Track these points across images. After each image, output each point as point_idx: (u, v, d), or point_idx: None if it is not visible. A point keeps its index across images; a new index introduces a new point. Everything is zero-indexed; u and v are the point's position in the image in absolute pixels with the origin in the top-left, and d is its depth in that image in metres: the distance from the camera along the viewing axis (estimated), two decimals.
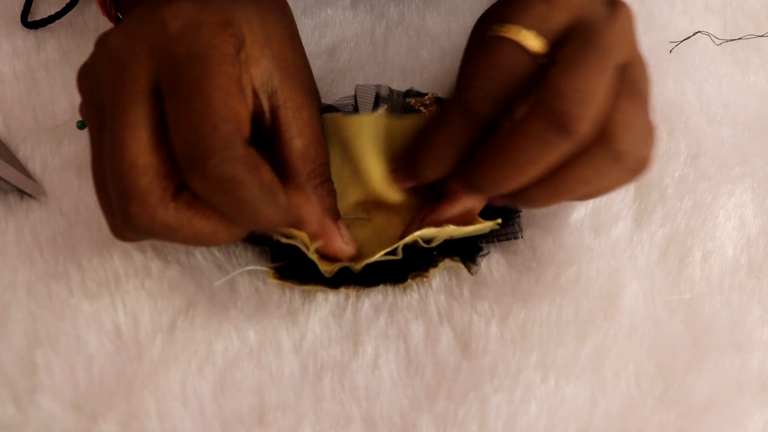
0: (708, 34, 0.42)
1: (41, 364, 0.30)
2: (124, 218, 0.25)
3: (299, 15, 0.42)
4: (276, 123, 0.29)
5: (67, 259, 0.32)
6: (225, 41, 0.25)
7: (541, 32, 0.26)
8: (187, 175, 0.24)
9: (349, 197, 0.33)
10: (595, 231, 0.34)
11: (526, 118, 0.25)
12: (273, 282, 0.31)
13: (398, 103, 0.36)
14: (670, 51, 0.41)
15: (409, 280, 0.32)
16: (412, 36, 0.42)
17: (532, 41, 0.26)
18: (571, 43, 0.26)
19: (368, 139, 0.32)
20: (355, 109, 0.36)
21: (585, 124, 0.25)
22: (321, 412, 0.29)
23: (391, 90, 0.37)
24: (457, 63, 0.40)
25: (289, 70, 0.29)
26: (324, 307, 0.32)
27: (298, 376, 0.30)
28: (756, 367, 0.31)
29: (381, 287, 0.32)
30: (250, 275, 0.32)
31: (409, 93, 0.37)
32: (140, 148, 0.24)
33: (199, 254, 0.33)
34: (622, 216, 0.35)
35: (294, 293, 0.32)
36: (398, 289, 0.32)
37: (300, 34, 0.42)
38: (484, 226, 0.31)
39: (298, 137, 0.29)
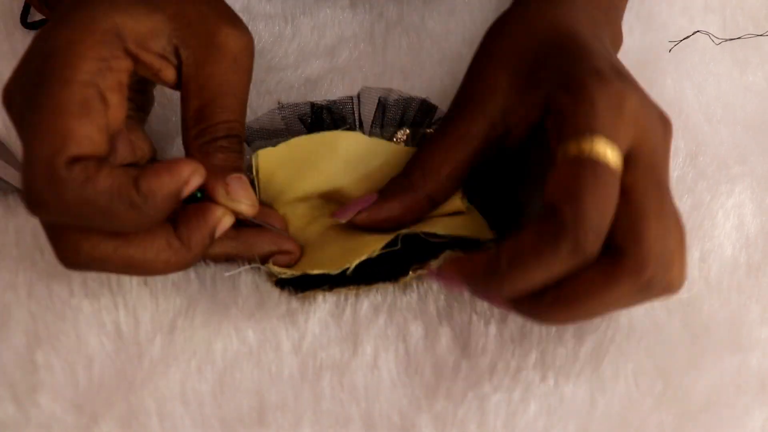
0: (707, 34, 0.42)
1: (42, 363, 0.30)
2: None
3: (298, 15, 0.42)
4: (180, 80, 0.30)
5: None
6: (80, 56, 0.26)
7: (614, 147, 0.24)
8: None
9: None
10: None
11: (617, 274, 0.23)
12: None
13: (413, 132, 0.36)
14: (669, 50, 0.41)
15: (411, 274, 0.31)
16: (412, 36, 0.42)
17: (614, 159, 0.24)
18: (637, 171, 0.25)
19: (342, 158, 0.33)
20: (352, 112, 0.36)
21: (665, 278, 0.24)
22: (320, 412, 0.29)
23: (399, 98, 0.36)
24: (457, 64, 0.41)
25: (192, 27, 0.29)
26: (323, 308, 0.32)
27: (297, 376, 0.30)
28: (755, 366, 0.31)
29: (380, 286, 0.32)
30: (253, 273, 0.32)
31: (425, 109, 0.36)
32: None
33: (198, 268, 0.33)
34: None
35: (295, 295, 0.32)
36: (398, 289, 0.32)
37: (299, 34, 0.42)
38: (482, 232, 0.32)
39: (194, 97, 0.30)
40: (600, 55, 0.27)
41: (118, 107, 0.28)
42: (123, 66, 0.28)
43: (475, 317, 0.31)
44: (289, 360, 0.30)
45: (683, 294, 0.33)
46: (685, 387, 0.30)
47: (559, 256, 0.23)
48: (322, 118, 0.36)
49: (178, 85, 0.30)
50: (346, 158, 0.33)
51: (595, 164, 0.24)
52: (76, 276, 0.32)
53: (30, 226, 0.33)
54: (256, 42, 0.41)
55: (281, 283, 0.32)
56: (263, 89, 0.39)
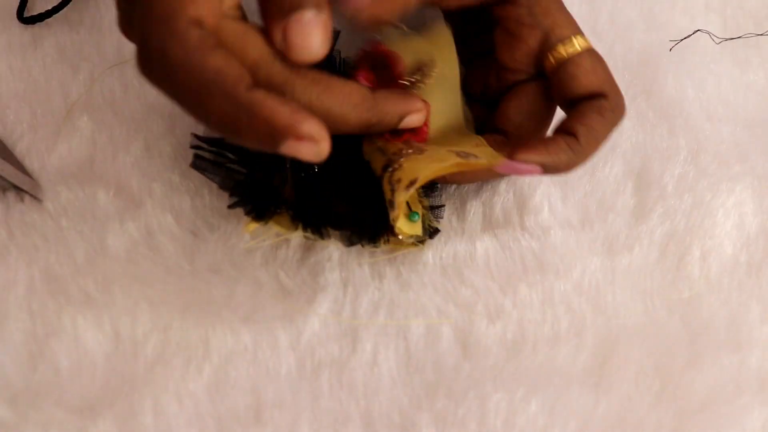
0: (708, 33, 0.42)
1: (39, 363, 0.30)
2: None
3: None
4: None
5: (66, 258, 0.32)
6: None
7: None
8: None
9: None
10: (592, 229, 0.35)
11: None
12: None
13: None
14: (670, 49, 0.41)
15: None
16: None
17: (584, 42, 0.32)
18: None
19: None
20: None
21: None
22: (318, 410, 0.29)
23: None
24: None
25: None
26: (322, 305, 0.31)
27: (295, 373, 0.30)
28: (754, 365, 0.31)
29: (377, 284, 0.32)
30: (251, 270, 0.32)
31: None
32: None
33: (198, 257, 0.33)
34: (621, 214, 0.35)
35: (293, 291, 0.32)
36: (396, 286, 0.32)
37: None
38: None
39: None
40: None
41: None
42: None
43: (475, 317, 0.31)
44: (287, 357, 0.30)
45: (683, 293, 0.33)
46: (685, 386, 0.30)
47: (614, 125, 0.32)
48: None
49: None
50: None
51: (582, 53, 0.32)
52: (74, 275, 0.32)
53: (28, 224, 0.33)
54: None
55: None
56: None
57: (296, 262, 0.33)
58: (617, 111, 0.31)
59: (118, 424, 0.28)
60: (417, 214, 0.32)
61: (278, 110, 0.24)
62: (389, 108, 0.29)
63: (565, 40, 0.31)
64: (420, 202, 0.33)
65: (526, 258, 0.33)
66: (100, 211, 0.33)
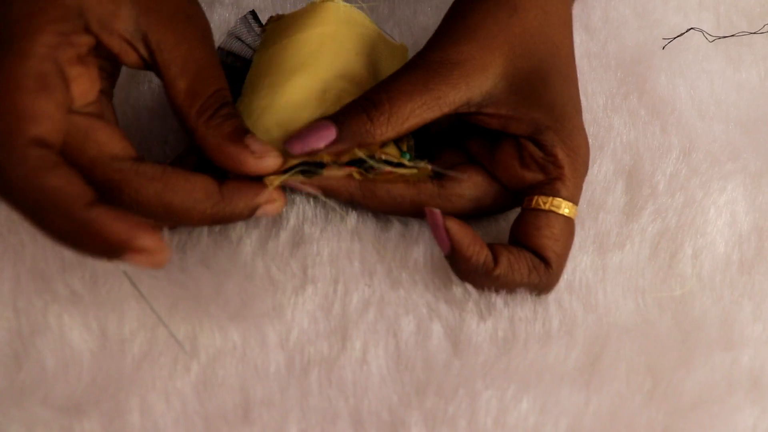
0: (701, 31, 0.42)
1: (24, 361, 0.29)
2: None
3: (288, 8, 0.42)
4: (156, 67, 0.29)
5: (52, 255, 0.32)
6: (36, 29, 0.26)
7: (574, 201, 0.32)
8: None
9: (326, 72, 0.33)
10: (583, 227, 0.34)
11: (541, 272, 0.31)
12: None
13: None
14: (663, 47, 0.41)
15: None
16: (404, 31, 0.42)
17: (570, 211, 0.32)
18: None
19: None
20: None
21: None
22: (307, 408, 0.29)
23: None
24: None
25: (158, 11, 0.29)
26: (312, 301, 0.31)
27: (284, 371, 0.30)
28: (746, 364, 0.31)
29: (367, 280, 0.32)
30: (237, 264, 0.32)
31: None
32: None
33: (189, 249, 0.32)
34: (612, 212, 0.35)
35: (283, 288, 0.32)
36: (386, 283, 0.32)
37: None
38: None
39: (179, 78, 0.29)
40: (575, 110, 0.33)
41: (82, 80, 0.28)
42: (83, 41, 0.28)
43: (466, 314, 0.31)
44: (276, 355, 0.30)
45: (675, 291, 0.33)
46: (676, 384, 0.30)
47: (531, 273, 0.31)
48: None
49: (146, 66, 0.30)
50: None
51: (559, 216, 0.31)
52: (60, 272, 0.31)
53: (14, 222, 0.33)
54: None
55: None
56: None
57: (287, 257, 0.32)
58: (543, 284, 0.31)
59: (104, 424, 0.28)
60: (407, 153, 0.32)
61: (114, 227, 0.26)
62: (238, 201, 0.29)
63: (557, 196, 0.31)
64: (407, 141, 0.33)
65: None
66: None
